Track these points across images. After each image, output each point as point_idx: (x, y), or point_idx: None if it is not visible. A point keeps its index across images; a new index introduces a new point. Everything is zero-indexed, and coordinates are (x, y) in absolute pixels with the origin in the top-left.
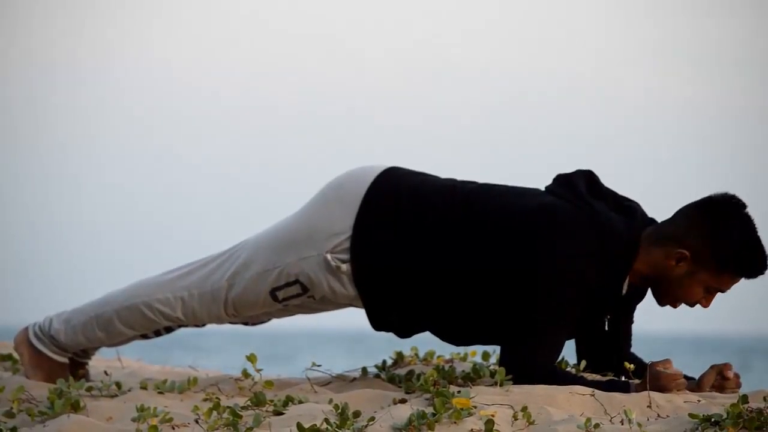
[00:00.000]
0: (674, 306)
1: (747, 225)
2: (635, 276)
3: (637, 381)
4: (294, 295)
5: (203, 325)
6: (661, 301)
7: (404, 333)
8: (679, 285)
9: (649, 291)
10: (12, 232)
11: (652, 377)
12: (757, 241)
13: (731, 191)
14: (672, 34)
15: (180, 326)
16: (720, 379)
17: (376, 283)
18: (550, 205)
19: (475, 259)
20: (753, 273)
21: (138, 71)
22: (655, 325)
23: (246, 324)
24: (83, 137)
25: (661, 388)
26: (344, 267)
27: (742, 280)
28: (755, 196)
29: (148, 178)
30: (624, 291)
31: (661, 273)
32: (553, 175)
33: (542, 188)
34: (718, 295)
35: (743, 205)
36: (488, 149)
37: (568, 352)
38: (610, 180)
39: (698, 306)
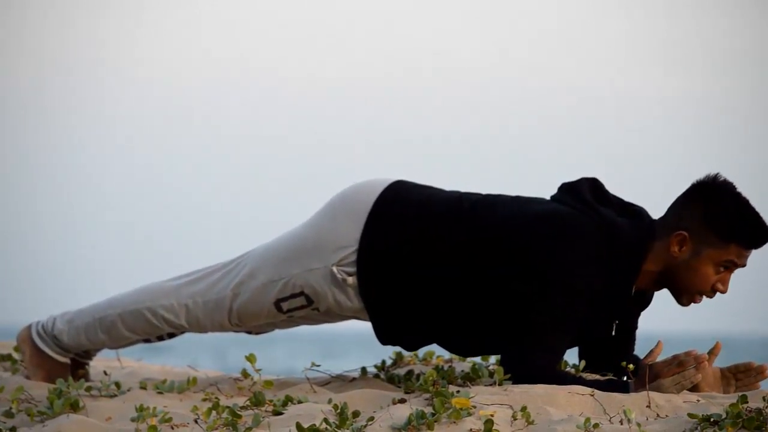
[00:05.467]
0: (695, 300)
1: (737, 196)
2: (647, 278)
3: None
4: (299, 306)
5: (206, 331)
6: (681, 298)
7: (411, 346)
8: (689, 270)
9: (658, 298)
10: (12, 232)
11: (647, 371)
12: (752, 208)
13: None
14: (687, 34)
15: (183, 332)
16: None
17: (383, 297)
18: (555, 211)
19: (482, 270)
20: (755, 239)
21: (138, 72)
22: (655, 325)
23: (249, 333)
24: (87, 138)
25: (657, 377)
26: (350, 280)
27: (752, 253)
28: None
29: (153, 180)
30: (632, 292)
31: (670, 264)
32: (559, 184)
33: (547, 197)
34: (722, 295)
35: (730, 181)
36: (490, 153)
37: (568, 351)
38: (621, 182)
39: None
